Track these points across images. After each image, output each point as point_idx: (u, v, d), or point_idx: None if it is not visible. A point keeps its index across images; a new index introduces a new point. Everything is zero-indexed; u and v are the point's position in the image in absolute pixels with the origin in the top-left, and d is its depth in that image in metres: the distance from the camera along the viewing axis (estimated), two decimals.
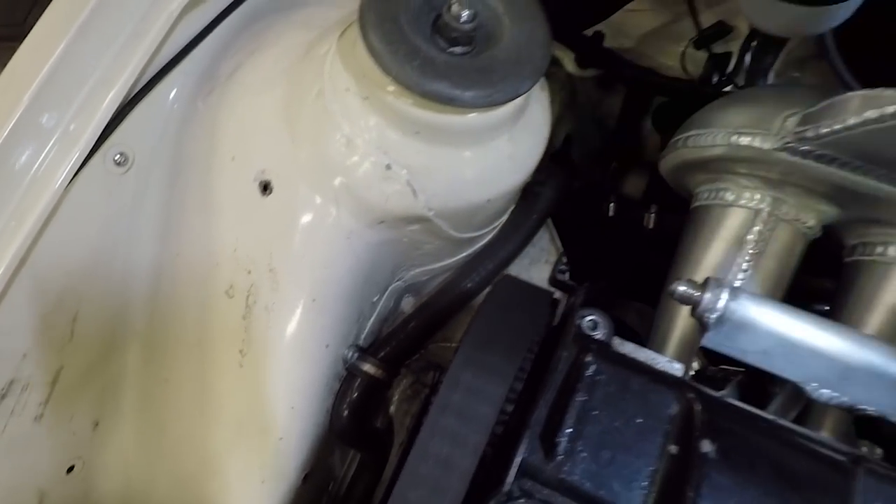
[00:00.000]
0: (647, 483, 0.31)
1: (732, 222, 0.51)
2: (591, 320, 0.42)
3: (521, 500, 0.31)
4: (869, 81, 0.55)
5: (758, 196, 0.50)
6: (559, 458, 0.33)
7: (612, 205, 0.79)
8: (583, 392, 0.34)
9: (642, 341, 0.44)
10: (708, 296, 0.41)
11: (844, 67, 0.57)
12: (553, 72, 0.83)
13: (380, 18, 0.41)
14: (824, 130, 0.42)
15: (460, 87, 0.40)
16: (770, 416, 0.34)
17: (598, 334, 0.42)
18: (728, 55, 0.69)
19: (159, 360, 0.59)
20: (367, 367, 0.58)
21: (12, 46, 0.44)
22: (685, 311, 0.50)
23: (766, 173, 0.49)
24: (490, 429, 0.33)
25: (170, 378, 0.59)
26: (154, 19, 0.47)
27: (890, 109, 0.38)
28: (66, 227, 0.48)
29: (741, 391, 0.45)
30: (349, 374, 0.58)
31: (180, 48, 0.54)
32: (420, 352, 0.66)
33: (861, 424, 0.42)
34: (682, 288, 0.43)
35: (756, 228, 0.50)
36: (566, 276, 0.60)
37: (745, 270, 0.50)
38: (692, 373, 0.49)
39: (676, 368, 0.44)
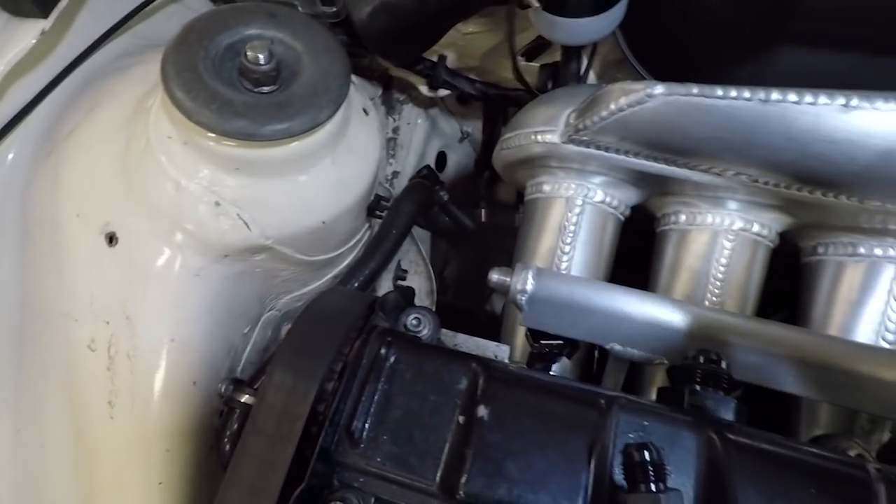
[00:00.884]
0: (439, 454, 0.34)
1: (552, 212, 0.56)
2: (415, 318, 0.46)
3: (325, 490, 0.34)
4: (664, 76, 0.63)
5: (569, 185, 0.56)
6: (362, 445, 0.36)
7: (483, 210, 0.85)
8: (383, 381, 0.37)
9: None
10: (515, 280, 0.46)
11: (640, 65, 0.65)
12: (415, 96, 0.89)
13: (178, 69, 0.45)
14: (589, 122, 0.47)
15: (258, 123, 0.44)
16: (537, 374, 0.39)
17: (424, 330, 0.45)
18: (556, 63, 0.76)
19: (32, 425, 0.59)
20: (245, 398, 0.59)
21: None
22: None
23: (569, 164, 0.54)
24: (301, 425, 0.36)
25: (45, 443, 0.58)
26: None
27: (632, 98, 0.45)
28: None
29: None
30: (228, 407, 0.59)
31: (14, 114, 0.55)
32: None
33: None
34: (495, 277, 0.47)
35: (570, 215, 0.55)
36: (405, 282, 0.64)
37: (567, 253, 0.55)
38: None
39: (503, 350, 0.49)
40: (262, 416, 0.37)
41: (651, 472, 0.27)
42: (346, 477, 0.36)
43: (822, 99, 0.42)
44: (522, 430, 0.33)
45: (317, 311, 0.42)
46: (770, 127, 0.41)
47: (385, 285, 0.69)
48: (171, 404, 0.55)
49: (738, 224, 0.52)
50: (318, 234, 0.55)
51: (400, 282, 0.63)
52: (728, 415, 0.35)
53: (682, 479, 0.32)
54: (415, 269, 0.70)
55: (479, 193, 0.93)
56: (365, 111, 0.57)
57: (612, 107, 0.46)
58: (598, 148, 0.50)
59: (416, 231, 0.84)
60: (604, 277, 0.56)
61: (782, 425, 0.50)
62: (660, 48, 0.63)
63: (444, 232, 0.85)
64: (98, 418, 0.55)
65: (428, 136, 0.90)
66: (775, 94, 0.40)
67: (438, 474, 0.34)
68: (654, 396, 0.51)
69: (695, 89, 0.42)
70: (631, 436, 0.34)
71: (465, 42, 0.81)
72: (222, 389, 0.61)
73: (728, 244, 0.52)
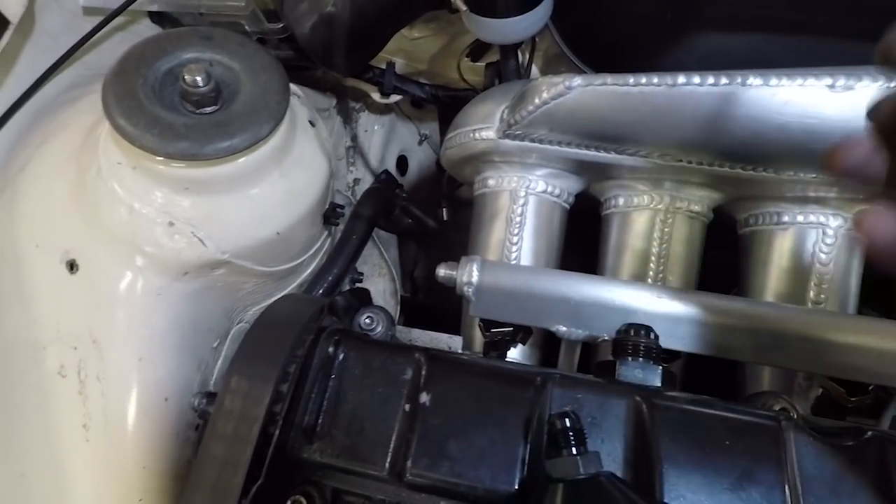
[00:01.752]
0: (388, 441, 0.36)
1: (498, 204, 0.59)
2: (367, 317, 0.48)
3: (286, 487, 0.36)
4: (599, 67, 0.65)
5: (511, 178, 0.58)
6: (317, 441, 0.38)
7: (444, 209, 0.87)
8: (334, 378, 0.39)
9: None
10: (461, 273, 0.48)
11: (576, 57, 0.67)
12: (370, 103, 0.91)
13: (119, 97, 0.46)
14: (519, 116, 0.50)
15: (200, 143, 0.46)
16: (477, 359, 0.41)
17: (377, 328, 0.48)
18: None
19: (10, 456, 0.60)
20: None
21: None
22: None
23: (509, 158, 0.57)
24: (259, 427, 0.38)
25: (25, 471, 0.60)
26: None
27: (553, 91, 0.47)
28: None
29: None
30: (203, 420, 0.61)
31: None
32: None
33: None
34: (442, 272, 0.49)
35: (515, 206, 0.57)
36: (361, 284, 0.66)
37: (515, 244, 0.57)
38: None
39: (456, 342, 0.51)
40: (221, 420, 0.39)
41: (572, 437, 0.30)
42: (305, 472, 0.38)
43: (723, 80, 0.44)
44: (462, 412, 0.35)
45: (269, 318, 0.44)
46: (679, 109, 0.44)
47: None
48: (145, 422, 0.56)
49: (673, 203, 0.54)
50: (275, 245, 0.56)
51: (356, 284, 0.65)
52: (656, 381, 0.38)
53: (613, 443, 0.35)
54: (378, 271, 0.72)
55: (441, 193, 0.95)
56: (311, 123, 0.59)
57: (537, 101, 0.48)
58: (532, 140, 0.53)
59: (382, 234, 0.86)
60: (554, 264, 0.59)
61: (729, 389, 0.53)
62: (592, 40, 0.66)
63: (408, 233, 0.87)
64: (74, 442, 0.57)
65: (386, 142, 0.92)
66: (681, 78, 0.43)
67: (388, 461, 0.36)
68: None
69: (609, 79, 0.45)
70: (566, 409, 0.36)
71: (413, 47, 0.83)
72: (195, 403, 0.62)
73: (664, 222, 0.54)
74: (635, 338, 0.39)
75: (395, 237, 0.89)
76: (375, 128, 0.90)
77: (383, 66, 0.80)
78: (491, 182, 0.59)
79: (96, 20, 0.68)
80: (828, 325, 0.43)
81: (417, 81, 0.81)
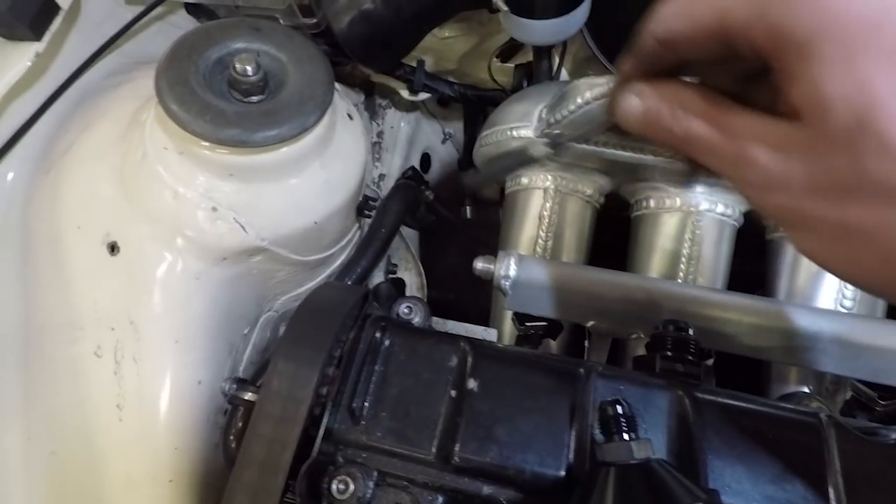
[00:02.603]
0: (434, 425, 0.37)
1: (531, 202, 0.60)
2: (406, 307, 0.49)
3: (330, 465, 0.37)
4: None
5: (545, 177, 0.59)
6: (363, 422, 0.39)
7: (468, 208, 0.88)
8: (380, 363, 0.40)
9: None
10: (499, 266, 0.49)
11: (607, 61, 0.68)
12: (397, 100, 0.92)
13: (171, 83, 0.47)
14: (560, 115, 0.51)
15: (250, 131, 0.47)
16: (521, 350, 0.42)
17: (415, 318, 0.48)
18: (530, 64, 0.80)
19: (42, 433, 0.60)
20: (248, 396, 0.61)
21: None
22: None
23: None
24: (307, 408, 0.39)
25: (56, 450, 0.60)
26: None
27: (597, 91, 0.48)
28: None
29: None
30: (232, 405, 0.62)
31: (12, 134, 0.58)
32: None
33: None
34: (480, 265, 0.50)
35: (548, 204, 0.58)
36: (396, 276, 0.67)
37: (547, 241, 0.58)
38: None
39: (491, 334, 0.52)
40: (269, 401, 0.40)
41: (623, 424, 0.31)
42: (350, 453, 0.39)
43: None
44: (509, 399, 0.36)
45: (314, 304, 0.45)
46: None
47: (377, 282, 0.72)
48: (179, 403, 0.57)
49: (704, 205, 0.55)
50: (311, 234, 0.57)
51: (391, 275, 0.66)
52: (698, 377, 0.38)
53: (656, 434, 0.35)
54: (405, 266, 0.73)
55: (464, 192, 0.97)
56: (349, 116, 0.60)
57: (580, 100, 0.49)
58: (569, 139, 0.53)
59: (405, 230, 0.87)
60: (584, 263, 0.60)
61: (753, 388, 0.54)
62: (625, 44, 0.67)
63: (431, 230, 0.88)
64: (107, 422, 0.57)
65: (411, 139, 0.93)
66: None
67: (435, 444, 0.37)
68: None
69: None
70: (616, 397, 0.37)
71: (443, 47, 0.84)
72: (226, 388, 0.63)
73: (695, 225, 0.55)
74: (676, 333, 0.40)
75: (418, 234, 0.90)
76: (402, 125, 0.91)
77: (413, 64, 0.81)
78: (524, 180, 0.60)
79: (137, 9, 0.69)
80: (862, 330, 0.43)
81: (446, 80, 0.82)
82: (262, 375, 0.65)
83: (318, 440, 0.36)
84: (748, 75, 0.28)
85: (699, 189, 0.56)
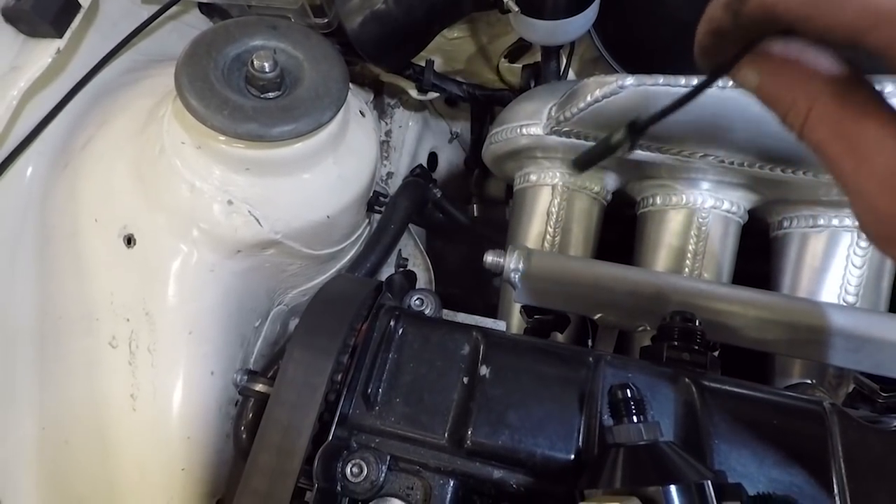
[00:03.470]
0: (447, 411, 0.38)
1: (539, 199, 0.61)
2: (418, 298, 0.50)
3: (344, 449, 0.38)
4: (636, 70, 0.68)
5: (553, 174, 0.60)
6: (377, 408, 0.40)
7: (475, 206, 0.89)
8: (394, 351, 0.41)
9: None
10: (508, 260, 0.50)
11: (614, 61, 0.70)
12: (406, 99, 0.94)
13: (191, 79, 0.49)
14: (569, 113, 0.52)
15: (267, 126, 0.48)
16: (532, 339, 0.43)
17: (427, 309, 0.49)
18: (537, 64, 0.81)
19: (56, 422, 0.62)
20: (259, 387, 0.62)
21: None
22: None
23: (553, 154, 0.59)
24: (322, 394, 0.39)
25: (70, 438, 0.61)
26: None
27: (606, 89, 0.49)
28: None
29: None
30: (243, 396, 0.63)
31: (31, 129, 0.59)
32: None
33: None
34: (490, 258, 0.51)
35: (555, 201, 0.59)
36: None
37: (554, 237, 0.59)
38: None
39: (500, 326, 0.53)
40: (285, 388, 0.41)
41: (633, 407, 0.32)
42: (364, 438, 0.40)
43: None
44: (520, 385, 0.37)
45: (329, 295, 0.46)
46: (729, 111, 0.46)
47: (389, 274, 0.73)
48: (191, 394, 0.58)
49: (710, 202, 0.56)
50: (323, 229, 0.58)
51: (402, 268, 0.67)
52: (705, 366, 0.39)
53: (663, 419, 0.36)
54: (413, 261, 0.74)
55: (470, 190, 0.98)
56: (361, 113, 0.61)
57: (589, 98, 0.50)
58: (578, 137, 0.55)
59: (413, 227, 0.88)
60: (590, 258, 0.61)
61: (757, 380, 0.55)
62: (632, 45, 0.68)
63: (438, 227, 0.89)
64: (121, 411, 0.59)
65: (419, 138, 0.94)
66: (683, 80, 0.45)
67: (447, 428, 0.37)
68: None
69: (661, 79, 0.47)
70: (625, 381, 0.38)
71: (451, 47, 0.86)
72: (237, 379, 0.64)
73: (701, 221, 0.56)
74: (682, 324, 0.41)
75: (425, 232, 0.91)
76: (409, 124, 0.92)
77: (422, 64, 0.83)
78: (533, 177, 0.61)
79: (152, 9, 0.71)
80: (865, 323, 0.44)
81: (455, 80, 0.84)
82: (272, 367, 0.66)
83: (334, 425, 0.37)
84: None
85: (705, 186, 0.57)
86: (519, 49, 0.78)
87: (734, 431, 0.34)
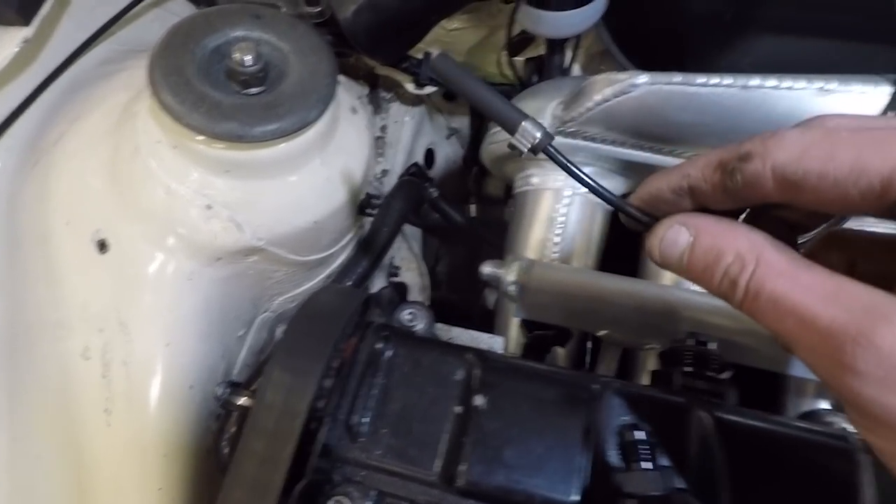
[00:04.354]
0: (438, 444, 0.35)
1: (542, 203, 0.57)
2: (409, 313, 0.46)
3: (327, 486, 0.34)
4: (646, 66, 0.64)
5: (557, 177, 0.56)
6: (362, 440, 0.36)
7: (473, 206, 0.85)
8: (381, 375, 0.38)
9: None
10: (507, 272, 0.47)
11: (623, 56, 0.65)
12: (402, 94, 0.89)
13: (165, 73, 0.45)
14: (576, 113, 0.48)
15: (248, 125, 0.44)
16: (532, 363, 0.39)
17: (418, 325, 0.46)
18: (541, 57, 0.77)
19: (27, 436, 0.58)
20: (243, 401, 0.59)
21: None
22: None
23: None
24: (301, 422, 0.36)
25: (41, 454, 0.58)
26: None
27: (617, 87, 0.45)
28: None
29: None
30: (225, 410, 0.59)
31: None
32: None
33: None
34: (487, 269, 0.48)
35: (559, 206, 0.56)
36: (398, 279, 0.65)
37: (557, 244, 0.56)
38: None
39: (497, 342, 0.49)
40: (262, 415, 0.37)
41: (645, 451, 0.28)
42: (348, 472, 0.37)
43: (801, 83, 0.43)
44: (519, 417, 0.34)
45: (312, 310, 0.42)
46: (751, 112, 0.42)
47: (378, 283, 0.69)
48: (168, 409, 0.54)
49: None
50: (310, 234, 0.55)
51: (393, 278, 0.64)
52: (722, 396, 0.36)
53: (675, 456, 0.33)
54: (407, 265, 0.71)
55: (469, 189, 0.94)
56: (353, 109, 0.57)
57: (598, 97, 0.46)
58: (584, 139, 0.51)
59: (408, 228, 0.85)
60: (594, 266, 0.57)
61: (771, 401, 0.51)
62: (642, 39, 0.64)
63: (435, 228, 0.85)
64: (94, 426, 0.55)
65: (416, 134, 0.90)
66: (755, 80, 0.41)
67: (438, 464, 0.34)
68: (646, 381, 0.52)
69: (677, 78, 0.43)
70: (624, 419, 0.34)
71: (451, 39, 0.81)
72: (219, 392, 0.61)
73: None
74: (696, 347, 0.38)
75: (420, 231, 0.87)
76: (406, 119, 0.88)
77: (420, 57, 0.79)
78: (535, 180, 0.57)
79: None
80: None
81: None
82: (256, 380, 0.63)
83: (314, 459, 0.34)
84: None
85: None
86: (522, 41, 0.74)
87: (753, 471, 0.31)
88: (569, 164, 0.32)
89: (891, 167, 0.21)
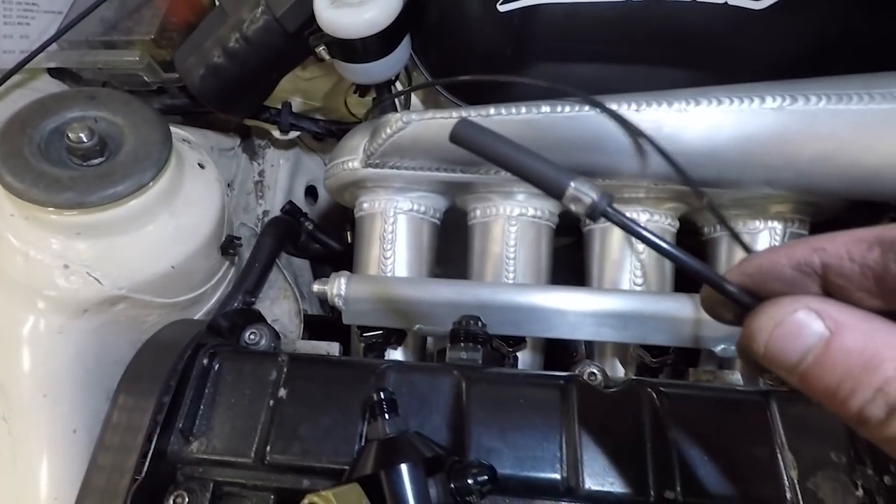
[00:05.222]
0: (253, 433, 0.43)
1: (373, 225, 0.66)
2: (252, 333, 0.54)
3: (171, 484, 0.42)
4: (464, 97, 0.75)
5: (381, 200, 0.66)
6: (195, 441, 0.44)
7: (349, 232, 0.94)
8: (209, 386, 0.46)
9: None
10: (331, 287, 0.55)
11: (446, 91, 0.76)
12: (274, 139, 0.98)
13: (5, 157, 0.52)
14: (374, 147, 0.58)
15: (84, 193, 0.51)
16: (330, 357, 0.48)
17: (262, 341, 0.54)
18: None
19: None
20: None
21: None
22: None
23: (378, 184, 0.65)
24: (143, 436, 0.43)
25: None
26: None
27: (395, 126, 0.56)
28: None
29: None
30: None
31: None
32: None
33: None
34: (316, 287, 0.56)
35: (386, 226, 0.65)
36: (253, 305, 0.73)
37: (389, 259, 0.65)
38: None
39: (334, 348, 0.57)
40: (109, 433, 0.44)
41: (384, 406, 0.37)
42: (188, 470, 0.44)
43: (544, 108, 0.54)
44: (311, 401, 0.42)
45: (154, 342, 0.50)
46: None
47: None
48: (56, 455, 0.59)
49: (517, 210, 0.63)
50: (172, 278, 0.62)
51: (245, 306, 0.72)
52: (478, 361, 0.46)
53: (440, 415, 0.42)
54: (283, 294, 0.79)
55: (349, 216, 1.03)
56: (201, 165, 0.65)
57: (384, 134, 0.56)
58: (391, 167, 0.61)
59: (297, 261, 0.93)
60: (427, 274, 0.66)
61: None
62: (452, 74, 0.75)
63: (317, 256, 0.94)
64: None
65: (292, 174, 0.98)
66: (492, 110, 0.52)
67: (253, 449, 0.42)
68: None
69: (436, 113, 0.54)
70: (405, 390, 0.43)
71: (308, 86, 0.91)
72: None
73: (513, 228, 0.63)
74: (465, 326, 0.47)
75: (308, 262, 0.95)
76: (281, 162, 0.97)
77: (279, 107, 0.88)
78: (366, 205, 0.67)
79: None
80: (627, 303, 0.52)
81: (312, 118, 0.89)
82: None
83: (147, 462, 0.41)
84: None
85: (520, 198, 0.64)
86: (364, 84, 0.84)
87: (485, 412, 0.41)
88: (631, 225, 0.27)
89: None
